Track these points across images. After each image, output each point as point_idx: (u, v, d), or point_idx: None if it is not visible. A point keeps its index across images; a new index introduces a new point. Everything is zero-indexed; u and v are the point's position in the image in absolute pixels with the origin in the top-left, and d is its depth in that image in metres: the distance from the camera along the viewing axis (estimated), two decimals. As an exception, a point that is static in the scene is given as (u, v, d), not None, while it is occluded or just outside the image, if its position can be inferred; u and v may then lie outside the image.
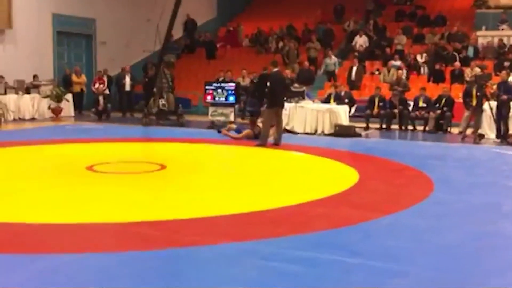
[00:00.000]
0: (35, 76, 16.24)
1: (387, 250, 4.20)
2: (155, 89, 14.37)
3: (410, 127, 13.69)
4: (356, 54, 18.52)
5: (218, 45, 21.91)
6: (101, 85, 16.54)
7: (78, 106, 16.83)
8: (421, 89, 14.03)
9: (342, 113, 12.70)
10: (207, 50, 21.40)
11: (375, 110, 13.87)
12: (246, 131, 11.08)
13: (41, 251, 4.02)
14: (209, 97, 14.02)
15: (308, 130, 12.73)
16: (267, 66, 11.03)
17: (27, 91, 15.54)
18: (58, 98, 15.51)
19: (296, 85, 14.75)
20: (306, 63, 17.63)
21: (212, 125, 13.57)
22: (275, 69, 10.70)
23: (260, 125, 10.87)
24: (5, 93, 14.72)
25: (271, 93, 10.39)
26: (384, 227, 4.90)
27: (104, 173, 7.27)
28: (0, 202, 5.59)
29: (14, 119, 14.65)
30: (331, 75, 17.49)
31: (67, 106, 16.06)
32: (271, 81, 10.47)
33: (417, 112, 13.58)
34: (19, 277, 3.48)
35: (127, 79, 17.32)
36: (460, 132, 12.20)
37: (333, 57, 17.97)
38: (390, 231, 4.79)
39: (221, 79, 15.59)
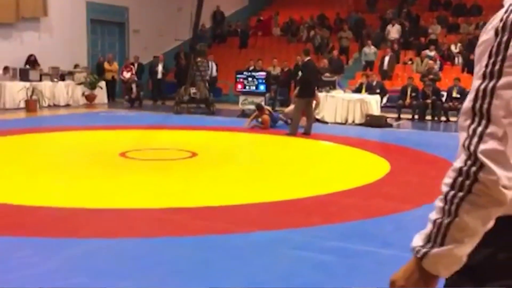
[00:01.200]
0: (76, 66, 16.53)
1: (419, 241, 4.15)
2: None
3: (443, 118, 13.46)
4: (389, 43, 18.28)
5: (249, 34, 21.88)
6: (129, 73, 16.73)
7: (111, 93, 17.08)
8: (455, 79, 13.78)
9: (374, 103, 12.57)
10: (239, 39, 21.41)
11: (408, 101, 13.69)
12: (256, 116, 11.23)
13: (77, 236, 4.10)
14: (239, 86, 14.04)
15: (338, 120, 12.65)
16: (300, 55, 11.00)
17: (62, 78, 15.83)
18: (92, 85, 15.76)
19: (327, 74, 14.65)
20: (335, 52, 17.45)
21: (243, 114, 13.60)
22: (307, 58, 10.61)
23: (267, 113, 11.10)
24: (41, 80, 15.02)
25: (303, 83, 10.33)
26: (417, 218, 4.84)
27: (136, 159, 7.38)
28: (37, 186, 5.73)
29: (49, 106, 14.95)
30: (369, 65, 17.28)
31: (101, 93, 16.32)
32: (304, 70, 10.43)
33: (450, 103, 13.35)
34: (56, 261, 3.56)
35: (160, 67, 17.48)
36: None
37: (372, 46, 17.72)
38: (423, 223, 4.69)
39: (251, 68, 15.58)
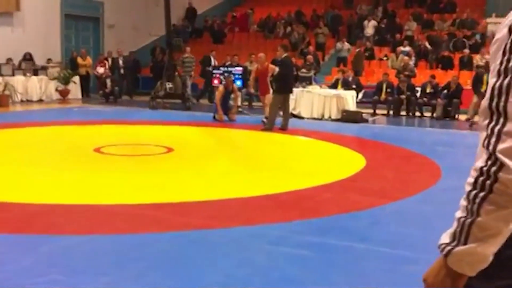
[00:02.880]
0: (49, 60, 16.29)
1: (395, 236, 4.20)
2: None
3: (417, 114, 13.63)
4: (365, 39, 18.44)
5: (225, 30, 21.82)
6: (102, 68, 16.55)
7: (85, 88, 16.86)
8: (430, 76, 13.95)
9: (350, 99, 12.66)
10: (214, 35, 21.32)
11: (383, 96, 13.81)
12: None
13: (52, 232, 4.05)
14: (216, 81, 13.99)
15: (315, 115, 12.70)
16: (279, 50, 10.76)
17: (35, 73, 15.56)
18: (66, 80, 15.53)
19: (303, 70, 14.68)
20: (311, 48, 17.48)
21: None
22: (285, 54, 10.55)
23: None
24: (13, 75, 14.74)
25: (281, 79, 10.30)
26: (392, 213, 4.91)
27: (111, 155, 7.31)
28: (10, 182, 5.64)
29: (22, 101, 14.69)
30: (342, 61, 17.39)
31: (75, 88, 16.10)
32: (282, 66, 10.35)
33: (424, 99, 13.52)
34: (30, 258, 3.51)
35: (120, 62, 17.41)
36: (468, 119, 12.15)
37: (345, 43, 17.82)
38: (398, 217, 4.80)
39: (228, 63, 15.55)
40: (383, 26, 19.17)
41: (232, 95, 11.72)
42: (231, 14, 23.33)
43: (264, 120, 10.49)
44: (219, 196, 5.23)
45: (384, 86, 13.86)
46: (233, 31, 21.94)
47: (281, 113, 10.40)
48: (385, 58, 17.31)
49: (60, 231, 4.08)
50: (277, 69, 10.36)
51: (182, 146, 8.24)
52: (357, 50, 16.75)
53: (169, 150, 7.76)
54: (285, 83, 10.30)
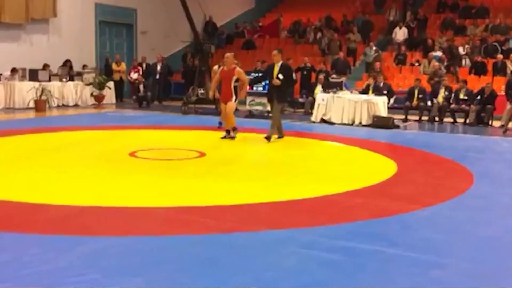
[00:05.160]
0: (84, 66, 16.70)
1: (426, 241, 4.20)
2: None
3: (450, 120, 13.48)
4: (396, 45, 18.34)
5: (255, 36, 21.97)
6: (136, 74, 16.87)
7: (119, 93, 17.21)
8: (462, 81, 13.79)
9: (381, 104, 12.60)
10: (245, 40, 21.50)
11: (415, 102, 13.71)
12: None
13: (88, 233, 4.17)
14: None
15: (345, 121, 12.68)
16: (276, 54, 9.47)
17: (71, 78, 15.98)
18: (100, 86, 15.88)
19: (334, 75, 14.69)
20: (341, 54, 17.48)
21: (250, 114, 13.68)
22: (281, 61, 9.59)
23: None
24: (50, 80, 15.16)
25: (285, 86, 9.62)
26: (423, 218, 4.90)
27: (145, 159, 7.46)
28: (48, 185, 5.81)
29: (58, 106, 15.09)
30: (369, 66, 17.33)
31: (109, 93, 16.44)
32: (285, 72, 9.49)
33: (457, 105, 13.35)
34: (66, 258, 3.63)
35: (158, 68, 17.70)
36: (502, 126, 11.96)
37: (374, 48, 17.76)
38: (429, 223, 4.79)
39: (258, 69, 15.65)
40: (414, 31, 19.00)
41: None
42: (262, 20, 23.51)
43: (229, 131, 9.52)
44: (249, 200, 5.30)
45: (416, 91, 13.75)
46: (264, 37, 22.07)
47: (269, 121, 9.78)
48: (416, 64, 17.16)
49: (95, 233, 4.20)
50: (244, 75, 9.58)
51: (214, 150, 8.34)
52: (375, 54, 16.69)
53: (202, 154, 7.88)
54: (286, 91, 9.92)
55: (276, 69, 9.40)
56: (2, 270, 3.38)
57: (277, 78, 9.32)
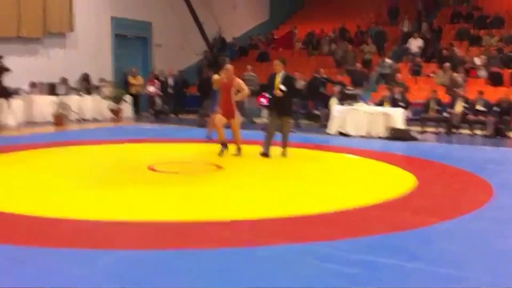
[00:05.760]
0: (101, 80, 16.91)
1: (446, 255, 4.18)
2: None
3: (468, 131, 13.39)
4: (410, 56, 18.31)
5: (269, 48, 22.08)
6: (152, 87, 17.02)
7: (136, 107, 17.35)
8: (479, 92, 13.72)
9: (397, 116, 12.56)
10: (259, 52, 21.63)
11: (431, 113, 13.65)
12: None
13: (106, 247, 4.22)
14: (262, 99, 14.15)
15: (362, 133, 12.66)
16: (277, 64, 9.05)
17: (89, 92, 16.18)
18: (118, 100, 16.04)
19: (350, 87, 14.70)
20: (358, 65, 17.51)
21: (266, 127, 13.66)
22: (282, 71, 9.07)
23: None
24: (68, 94, 15.35)
25: (290, 98, 9.27)
26: (443, 232, 4.88)
27: (164, 172, 7.52)
28: (67, 199, 5.87)
29: (77, 120, 15.26)
30: (384, 78, 17.33)
31: (126, 107, 16.59)
32: (290, 82, 9.12)
33: (475, 116, 13.27)
34: (85, 271, 3.68)
35: (170, 81, 17.85)
36: (520, 137, 11.87)
37: (387, 59, 17.77)
38: (450, 236, 4.76)
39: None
40: (429, 42, 18.96)
41: None
42: (276, 32, 23.64)
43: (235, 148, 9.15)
44: (267, 213, 5.31)
45: (432, 103, 13.70)
46: (277, 49, 22.17)
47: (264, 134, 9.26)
48: (432, 75, 17.10)
49: (113, 246, 4.25)
50: (245, 87, 9.17)
51: (231, 164, 8.37)
52: (393, 67, 16.67)
53: (219, 167, 7.92)
54: (290, 102, 9.35)
55: (278, 79, 8.91)
56: (21, 282, 3.44)
57: (280, 89, 8.84)
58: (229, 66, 9.33)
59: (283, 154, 9.12)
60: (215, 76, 9.57)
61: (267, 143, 8.99)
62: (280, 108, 8.94)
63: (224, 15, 21.93)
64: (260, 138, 9.44)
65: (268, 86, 9.18)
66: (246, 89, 9.21)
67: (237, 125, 9.12)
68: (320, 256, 4.04)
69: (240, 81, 9.24)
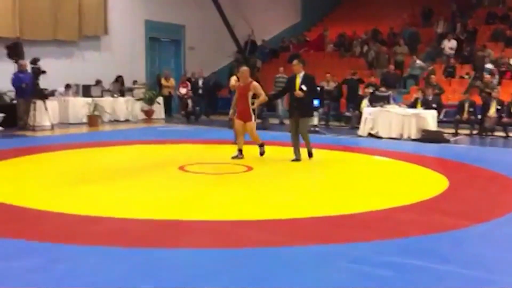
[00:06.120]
0: (135, 82, 17.20)
1: (478, 258, 4.12)
2: None
3: (502, 134, 13.12)
4: (445, 57, 18.05)
5: (301, 51, 22.06)
6: (185, 89, 17.21)
7: (168, 108, 17.57)
8: (515, 94, 13.46)
9: (430, 118, 12.40)
10: (291, 54, 21.60)
11: (465, 115, 13.44)
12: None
13: (142, 245, 4.27)
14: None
15: (393, 135, 12.54)
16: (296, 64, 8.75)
17: (122, 94, 16.47)
18: (150, 101, 16.27)
19: (382, 89, 14.58)
20: (391, 67, 17.36)
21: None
22: (303, 72, 8.78)
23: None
24: (102, 96, 15.66)
25: (310, 99, 8.98)
26: (476, 235, 4.80)
27: (195, 173, 7.59)
28: (102, 198, 6.00)
29: (110, 121, 15.56)
30: (414, 79, 17.13)
31: (158, 108, 16.82)
32: (310, 83, 8.83)
33: (509, 118, 12.99)
34: (122, 269, 3.74)
35: (200, 83, 17.99)
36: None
37: (417, 61, 17.57)
38: (483, 239, 4.69)
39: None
40: (463, 43, 18.66)
41: None
42: (308, 34, 23.61)
43: (237, 153, 8.91)
44: (298, 214, 5.31)
45: (467, 105, 13.48)
46: (309, 51, 22.13)
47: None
48: (466, 76, 16.82)
49: (149, 244, 4.30)
50: (261, 91, 8.88)
51: (261, 165, 8.40)
52: (430, 68, 16.43)
53: (249, 168, 7.96)
54: (311, 103, 9.05)
55: (298, 80, 8.67)
56: (60, 280, 3.51)
57: (300, 89, 8.60)
58: (244, 69, 9.07)
59: (309, 156, 8.94)
60: (233, 79, 9.35)
61: (296, 148, 8.86)
62: (301, 108, 8.72)
63: (256, 18, 22.01)
64: (288, 140, 9.43)
65: (289, 88, 8.96)
66: (263, 93, 8.93)
67: (252, 131, 8.93)
68: (351, 258, 4.03)
69: (257, 84, 8.96)
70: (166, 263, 3.90)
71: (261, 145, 9.12)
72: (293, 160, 8.75)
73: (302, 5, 25.41)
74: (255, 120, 8.97)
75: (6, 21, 14.44)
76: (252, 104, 8.93)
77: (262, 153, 9.12)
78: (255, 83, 8.92)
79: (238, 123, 8.99)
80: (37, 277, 3.55)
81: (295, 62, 8.92)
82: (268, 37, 23.19)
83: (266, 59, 21.97)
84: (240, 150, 8.89)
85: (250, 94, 8.85)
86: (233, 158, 8.82)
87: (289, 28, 24.40)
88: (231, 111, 9.15)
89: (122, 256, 4.02)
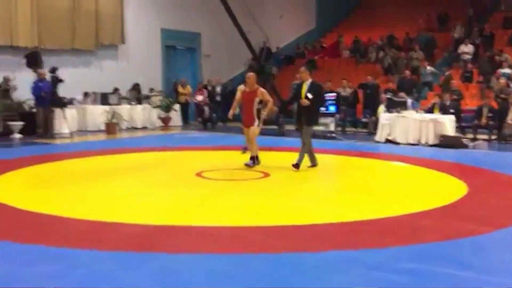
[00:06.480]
0: (151, 90, 17.35)
1: (499, 264, 4.07)
2: None
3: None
4: (462, 63, 17.90)
5: (316, 57, 22.05)
6: (201, 96, 17.29)
7: (185, 115, 17.66)
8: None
9: (448, 123, 12.28)
10: (307, 61, 21.61)
11: (483, 121, 13.30)
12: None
13: (158, 250, 4.29)
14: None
15: (411, 141, 12.45)
16: (303, 71, 8.57)
17: (139, 101, 16.60)
18: (167, 108, 16.38)
19: (402, 94, 14.49)
20: (407, 72, 17.27)
21: (312, 135, 13.65)
22: (310, 79, 8.58)
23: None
24: (119, 104, 15.81)
25: (316, 107, 8.68)
26: (496, 241, 4.74)
27: (212, 179, 7.62)
28: (119, 204, 6.05)
29: (128, 128, 15.69)
30: (427, 85, 17.00)
31: (175, 115, 16.92)
32: (316, 90, 8.56)
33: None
34: (137, 274, 3.76)
35: (218, 90, 18.07)
36: None
37: (428, 67, 17.45)
38: (503, 245, 4.62)
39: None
40: (480, 48, 18.49)
41: None
42: (323, 40, 23.60)
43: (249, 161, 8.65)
44: (315, 220, 5.30)
45: (485, 110, 13.34)
46: (324, 57, 22.11)
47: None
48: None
49: (164, 250, 4.31)
50: (269, 97, 8.67)
51: (277, 171, 8.38)
52: (447, 74, 16.30)
53: (266, 175, 7.96)
54: (316, 111, 8.77)
55: (305, 87, 8.43)
56: (78, 285, 3.54)
57: (306, 97, 8.34)
58: (250, 75, 8.82)
59: (295, 166, 8.35)
60: (240, 87, 9.24)
61: (311, 155, 8.64)
62: (305, 117, 8.44)
63: (271, 25, 22.06)
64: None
65: (296, 95, 8.70)
66: (271, 100, 8.72)
67: (254, 135, 8.64)
68: (369, 264, 4.00)
69: (264, 90, 8.70)
70: (182, 268, 3.92)
71: (252, 158, 8.63)
72: (310, 166, 8.61)
73: (317, 12, 25.42)
74: (258, 126, 8.67)
75: (25, 30, 14.67)
76: (259, 112, 8.73)
77: (248, 165, 8.56)
78: (262, 89, 8.69)
79: (246, 130, 8.78)
80: (56, 282, 3.58)
81: (302, 69, 8.75)
82: (283, 44, 23.22)
83: (281, 66, 21.98)
84: (256, 157, 8.69)
85: (257, 100, 8.64)
86: (246, 165, 8.56)
87: (304, 34, 24.41)
88: (230, 112, 8.83)
89: (139, 261, 4.04)
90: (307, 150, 8.54)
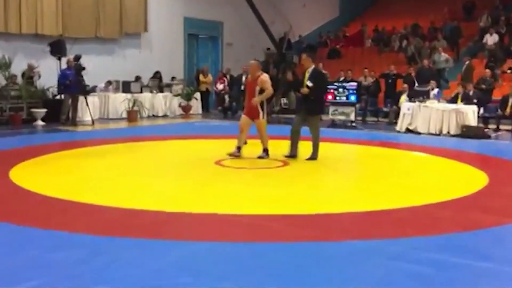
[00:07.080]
0: (173, 78, 17.44)
1: (520, 256, 4.05)
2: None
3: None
4: (487, 52, 17.60)
5: (339, 46, 21.88)
6: (222, 85, 17.32)
7: (205, 104, 17.72)
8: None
9: (470, 114, 12.14)
10: (330, 49, 21.49)
11: (507, 111, 13.09)
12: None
13: (180, 238, 4.34)
14: (330, 96, 14.07)
15: (432, 131, 12.34)
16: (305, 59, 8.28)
17: (161, 90, 16.71)
18: (188, 97, 16.46)
19: (433, 83, 14.30)
20: (425, 62, 17.01)
21: (333, 124, 13.64)
22: (313, 66, 8.29)
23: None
24: (141, 92, 15.93)
25: (319, 95, 8.40)
26: (517, 232, 4.71)
27: (231, 167, 7.66)
28: (141, 191, 6.11)
29: (149, 116, 15.81)
30: (439, 73, 16.73)
31: (196, 104, 17.00)
32: (320, 78, 8.33)
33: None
34: (160, 262, 3.80)
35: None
36: None
37: (442, 53, 17.16)
38: (525, 237, 4.59)
39: (342, 78, 15.59)
40: (504, 37, 18.15)
41: None
42: (346, 30, 23.40)
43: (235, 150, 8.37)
44: (333, 209, 5.30)
45: (510, 100, 13.12)
46: (347, 46, 21.93)
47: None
48: (509, 71, 16.37)
49: (186, 238, 4.36)
50: (268, 85, 8.14)
51: (297, 160, 8.38)
52: (467, 62, 16.05)
53: (285, 163, 7.97)
54: (318, 100, 8.36)
55: (307, 76, 8.11)
56: (100, 272, 3.59)
57: (306, 86, 8.02)
58: (252, 62, 8.37)
59: (312, 158, 8.18)
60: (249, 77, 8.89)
61: (293, 144, 8.32)
62: (307, 106, 8.14)
63: (294, 14, 21.96)
64: (327, 135, 9.37)
65: (301, 84, 8.32)
66: (269, 88, 8.15)
67: (262, 128, 8.35)
68: (389, 254, 3.99)
69: (265, 78, 8.15)
70: (203, 256, 3.96)
71: (265, 150, 8.42)
72: (287, 156, 8.26)
73: (341, 0, 25.18)
74: (263, 118, 8.32)
75: (50, 19, 14.85)
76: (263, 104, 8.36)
77: (261, 157, 8.36)
78: (263, 77, 8.15)
79: (243, 118, 8.41)
80: (79, 268, 3.64)
81: (303, 56, 8.38)
82: (306, 33, 23.09)
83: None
84: (238, 148, 8.33)
85: (257, 89, 8.14)
86: (229, 154, 8.25)
87: (327, 23, 24.25)
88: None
89: (161, 249, 4.08)
90: (317, 142, 8.31)
